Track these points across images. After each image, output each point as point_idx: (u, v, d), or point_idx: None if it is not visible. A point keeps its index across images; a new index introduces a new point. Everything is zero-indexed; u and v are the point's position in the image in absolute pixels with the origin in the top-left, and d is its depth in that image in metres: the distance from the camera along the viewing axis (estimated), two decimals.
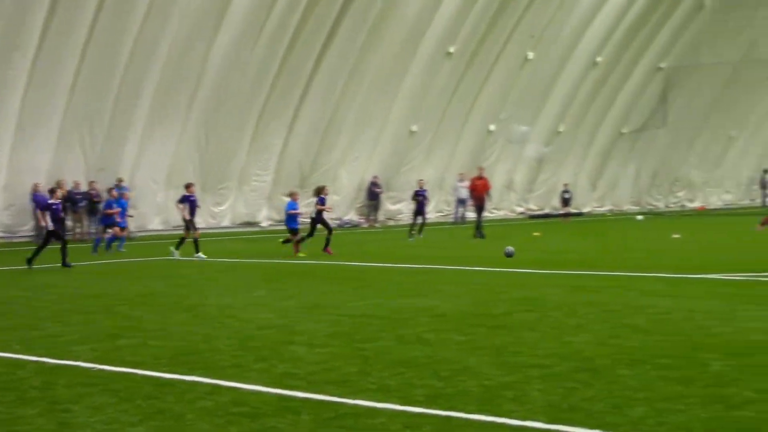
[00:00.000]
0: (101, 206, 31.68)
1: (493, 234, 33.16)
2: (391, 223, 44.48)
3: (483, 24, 43.26)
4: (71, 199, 32.66)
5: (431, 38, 41.96)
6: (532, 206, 52.13)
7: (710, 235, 32.88)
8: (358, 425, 7.49)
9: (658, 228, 37.11)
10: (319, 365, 9.83)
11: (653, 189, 59.32)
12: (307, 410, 7.94)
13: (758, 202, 62.64)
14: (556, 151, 51.24)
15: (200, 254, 24.99)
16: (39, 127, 32.02)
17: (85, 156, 33.93)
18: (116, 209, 28.58)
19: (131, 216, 31.80)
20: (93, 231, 33.38)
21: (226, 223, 39.19)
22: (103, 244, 28.29)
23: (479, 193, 34.69)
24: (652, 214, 50.72)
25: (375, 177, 43.43)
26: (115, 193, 29.68)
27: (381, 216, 44.46)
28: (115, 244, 28.33)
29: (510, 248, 23.20)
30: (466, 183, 44.48)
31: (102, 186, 32.89)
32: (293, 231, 26.19)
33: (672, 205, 59.92)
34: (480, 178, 35.20)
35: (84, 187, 33.73)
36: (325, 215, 27.11)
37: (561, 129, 50.76)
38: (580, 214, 49.90)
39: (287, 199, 27.78)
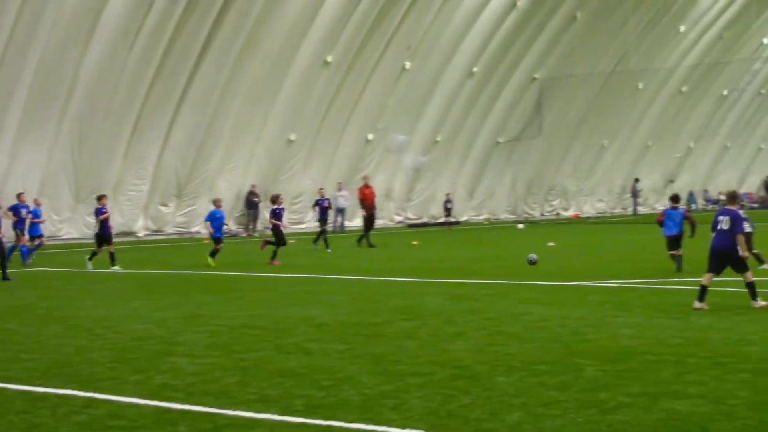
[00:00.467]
0: None
1: (372, 242, 33.25)
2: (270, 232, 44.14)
3: (360, 34, 43.39)
4: None
5: (308, 47, 41.83)
6: (410, 215, 52.47)
7: (583, 243, 33.61)
8: None
9: (535, 236, 37.76)
10: (198, 376, 9.73)
11: (529, 197, 60.17)
12: (185, 422, 7.86)
13: (630, 210, 64.32)
14: (433, 161, 51.66)
15: (116, 267, 24.53)
16: None
17: None
18: None
19: None
20: None
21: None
22: None
23: (370, 202, 34.59)
24: (529, 223, 51.53)
25: (253, 186, 43.14)
26: None
27: (259, 225, 44.18)
28: None
29: (533, 255, 23.04)
30: (345, 192, 44.65)
31: None
32: (217, 240, 25.88)
33: (547, 214, 60.91)
34: (367, 186, 35.22)
35: None
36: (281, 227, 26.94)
37: (438, 138, 51.20)
38: (457, 223, 50.38)
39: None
